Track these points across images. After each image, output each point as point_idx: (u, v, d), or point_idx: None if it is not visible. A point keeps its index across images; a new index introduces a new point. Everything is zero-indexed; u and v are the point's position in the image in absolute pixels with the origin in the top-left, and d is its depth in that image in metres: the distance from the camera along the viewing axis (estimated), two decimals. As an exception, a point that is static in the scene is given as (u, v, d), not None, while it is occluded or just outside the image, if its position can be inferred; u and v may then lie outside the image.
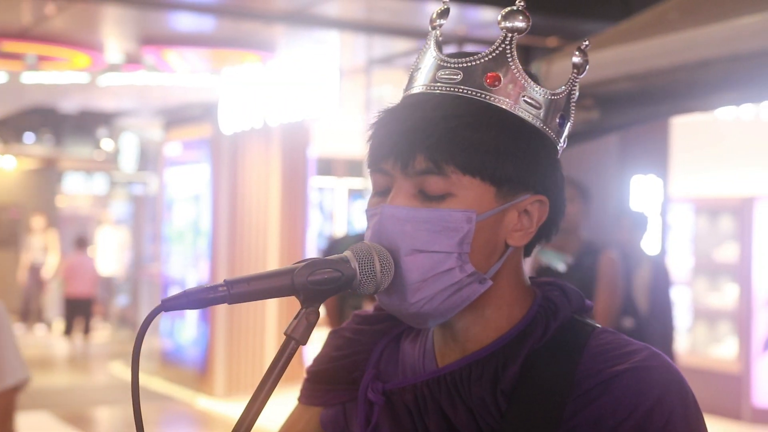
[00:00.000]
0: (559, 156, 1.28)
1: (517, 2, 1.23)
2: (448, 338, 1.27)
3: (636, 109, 2.87)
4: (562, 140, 1.28)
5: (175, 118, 10.92)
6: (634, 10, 6.62)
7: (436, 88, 1.23)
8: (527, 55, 7.09)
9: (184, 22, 7.24)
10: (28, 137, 15.38)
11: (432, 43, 1.27)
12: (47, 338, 14.35)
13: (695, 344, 9.25)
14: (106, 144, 14.60)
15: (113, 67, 8.43)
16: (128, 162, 13.21)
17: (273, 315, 9.75)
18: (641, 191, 7.92)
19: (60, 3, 6.56)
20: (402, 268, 1.20)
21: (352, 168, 13.63)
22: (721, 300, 9.28)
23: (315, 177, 11.00)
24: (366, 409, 1.33)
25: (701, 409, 1.19)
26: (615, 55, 2.95)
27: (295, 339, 1.19)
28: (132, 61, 8.17)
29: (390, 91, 8.72)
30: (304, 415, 1.44)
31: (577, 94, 1.28)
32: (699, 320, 9.36)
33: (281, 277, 1.19)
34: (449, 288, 1.20)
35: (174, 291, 10.48)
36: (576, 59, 1.26)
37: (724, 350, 9.07)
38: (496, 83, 1.21)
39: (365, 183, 8.69)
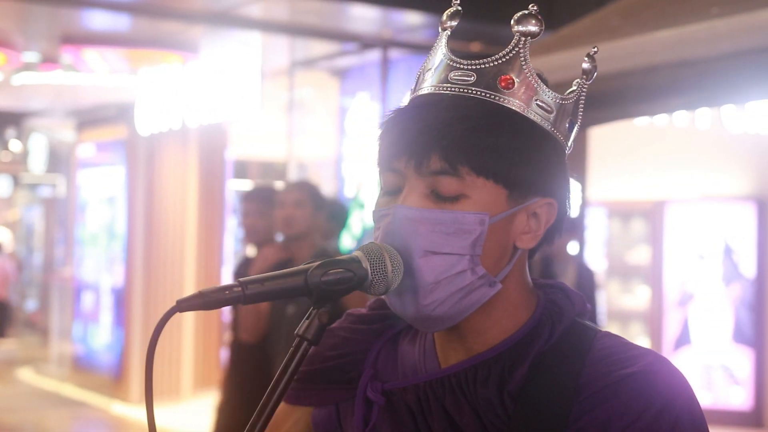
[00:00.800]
0: (566, 159, 1.29)
1: (530, 6, 1.24)
2: (453, 339, 1.27)
3: (583, 114, 2.91)
4: (569, 144, 1.29)
5: (89, 118, 10.69)
6: (558, 17, 6.74)
7: (448, 89, 1.24)
8: (451, 59, 7.15)
9: (105, 21, 7.10)
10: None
11: (443, 45, 1.27)
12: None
13: (609, 345, 9.45)
14: (14, 145, 14.20)
15: (29, 66, 8.21)
16: (37, 163, 12.88)
17: (189, 319, 9.62)
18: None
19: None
20: (415, 270, 1.20)
21: (267, 171, 13.53)
22: (633, 301, 9.51)
23: (231, 180, 10.90)
24: (364, 409, 1.32)
25: None
26: (560, 60, 2.99)
27: (307, 339, 1.18)
28: (49, 60, 7.98)
29: (310, 93, 8.69)
30: (291, 415, 1.42)
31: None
32: (612, 321, 9.57)
33: (294, 277, 1.18)
34: (460, 291, 1.21)
35: (88, 295, 10.30)
36: (585, 65, 1.27)
37: (636, 350, 9.28)
38: (510, 86, 1.22)
39: (281, 186, 8.62)
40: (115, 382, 9.51)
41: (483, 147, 1.20)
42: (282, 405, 1.43)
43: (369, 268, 1.19)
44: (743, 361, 8.71)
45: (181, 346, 9.60)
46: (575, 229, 6.65)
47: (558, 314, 1.26)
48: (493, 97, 1.22)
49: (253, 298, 1.16)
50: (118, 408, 9.28)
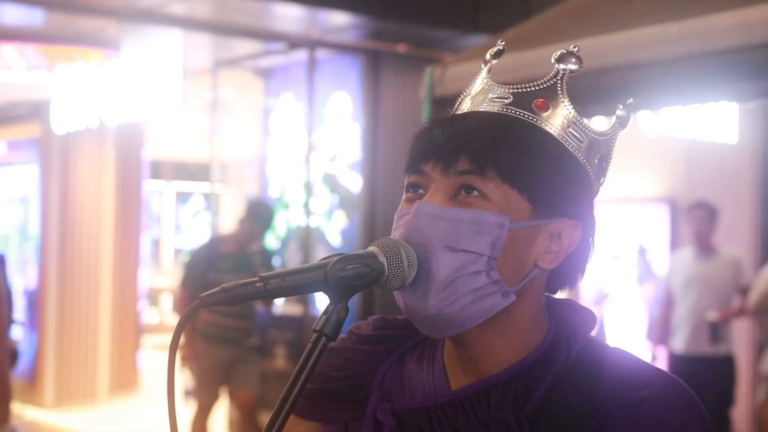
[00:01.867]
0: (595, 194, 1.31)
1: (572, 47, 1.29)
2: (464, 360, 1.28)
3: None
4: (600, 182, 1.31)
5: (0, 116, 10.39)
6: (482, 20, 6.82)
7: (485, 107, 1.28)
8: (377, 59, 7.17)
9: (23, 16, 6.92)
10: None
11: (485, 72, 1.32)
12: None
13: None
14: None
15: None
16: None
17: (106, 322, 9.44)
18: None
19: None
20: (431, 265, 1.20)
21: (180, 171, 13.37)
22: (550, 301, 9.67)
23: (148, 180, 10.73)
24: (373, 431, 1.33)
25: None
26: (512, 62, 3.03)
27: (326, 335, 1.18)
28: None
29: (234, 93, 8.61)
30: (298, 425, 1.42)
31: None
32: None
33: (314, 272, 1.18)
34: (473, 293, 1.21)
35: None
36: (620, 113, 1.33)
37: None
38: (544, 109, 1.25)
39: (193, 186, 8.54)
40: (28, 386, 9.27)
41: (512, 157, 1.22)
42: (291, 415, 1.45)
43: (386, 262, 1.19)
44: (656, 359, 8.94)
45: (97, 348, 9.41)
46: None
47: (572, 334, 1.27)
48: (526, 116, 1.25)
49: (274, 293, 1.16)
50: (31, 413, 9.05)
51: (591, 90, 2.76)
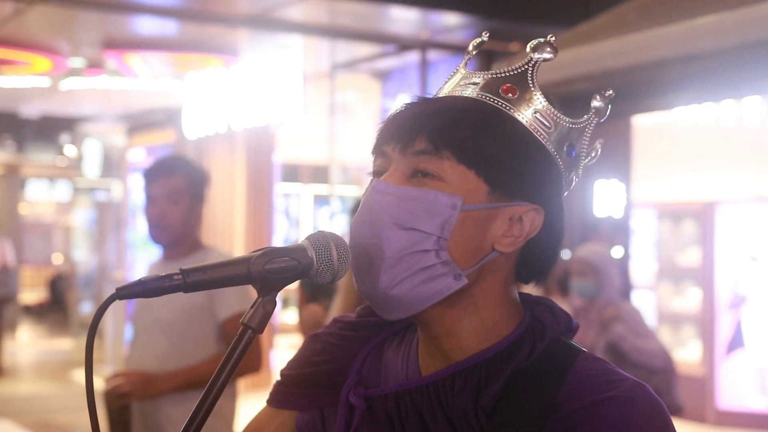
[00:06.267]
0: (565, 187, 1.29)
1: (548, 36, 1.29)
2: (432, 346, 1.28)
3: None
4: (572, 173, 1.30)
5: (139, 123, 10.83)
6: (594, 15, 6.68)
7: (455, 92, 1.30)
8: (491, 60, 7.12)
9: (147, 25, 7.19)
10: (-10, 143, 15.22)
11: (462, 64, 1.33)
12: (11, 345, 14.17)
13: (659, 348, 9.31)
14: (69, 150, 14.43)
15: (75, 72, 8.33)
16: (91, 168, 13.05)
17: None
18: (604, 196, 7.98)
19: (19, 5, 6.49)
20: (381, 242, 1.21)
21: (317, 174, 13.61)
22: (684, 304, 9.37)
23: (280, 183, 10.96)
24: (346, 414, 1.33)
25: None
26: (574, 56, 2.97)
27: (252, 328, 1.18)
28: (94, 65, 8.09)
29: (354, 96, 8.71)
30: (275, 418, 1.43)
31: (590, 135, 1.30)
32: (663, 324, 9.44)
33: (237, 265, 1.18)
34: (422, 272, 1.21)
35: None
36: (596, 103, 1.30)
37: (688, 353, 9.15)
38: (510, 94, 1.26)
39: (330, 189, 8.66)
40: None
41: (468, 136, 1.22)
42: (265, 408, 1.46)
43: (314, 256, 1.20)
44: (797, 364, 8.53)
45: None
46: (618, 232, 6.56)
47: (541, 332, 1.26)
48: (491, 99, 1.26)
49: (194, 286, 1.16)
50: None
51: (647, 83, 2.68)
